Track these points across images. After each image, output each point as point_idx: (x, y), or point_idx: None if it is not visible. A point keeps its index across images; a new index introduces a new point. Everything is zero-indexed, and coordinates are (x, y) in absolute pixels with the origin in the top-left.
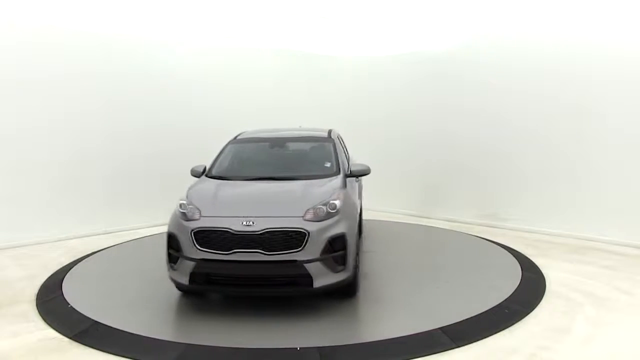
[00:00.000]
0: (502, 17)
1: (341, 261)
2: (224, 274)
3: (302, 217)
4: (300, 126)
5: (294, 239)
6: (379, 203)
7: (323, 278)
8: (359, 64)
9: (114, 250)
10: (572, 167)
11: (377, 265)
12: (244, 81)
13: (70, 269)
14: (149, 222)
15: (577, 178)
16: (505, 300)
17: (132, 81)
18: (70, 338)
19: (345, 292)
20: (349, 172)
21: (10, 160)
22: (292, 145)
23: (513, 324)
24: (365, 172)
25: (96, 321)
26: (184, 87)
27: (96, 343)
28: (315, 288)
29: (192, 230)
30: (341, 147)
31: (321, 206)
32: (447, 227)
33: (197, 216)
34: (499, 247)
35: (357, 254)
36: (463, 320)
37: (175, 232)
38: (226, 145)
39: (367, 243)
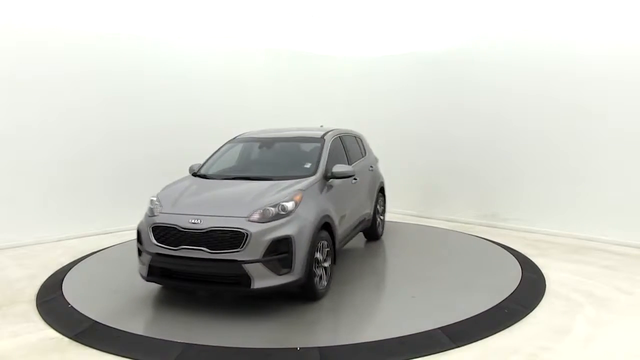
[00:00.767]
0: (502, 17)
1: (285, 264)
2: (173, 269)
3: (247, 217)
4: (321, 126)
5: (235, 239)
6: None
7: (263, 280)
8: (359, 64)
9: (114, 250)
10: (572, 167)
11: (377, 265)
12: (244, 81)
13: (70, 269)
14: None
15: (577, 178)
16: (505, 300)
17: (132, 81)
18: (70, 338)
19: (305, 297)
20: (330, 174)
21: (10, 160)
22: (281, 146)
23: (513, 324)
24: (346, 175)
25: (96, 321)
26: (184, 87)
27: (96, 343)
28: (254, 289)
29: (150, 225)
30: (338, 148)
31: (270, 208)
32: (447, 227)
33: (157, 212)
34: (499, 247)
35: (321, 257)
36: (463, 320)
37: (140, 227)
38: (223, 145)
39: (367, 243)
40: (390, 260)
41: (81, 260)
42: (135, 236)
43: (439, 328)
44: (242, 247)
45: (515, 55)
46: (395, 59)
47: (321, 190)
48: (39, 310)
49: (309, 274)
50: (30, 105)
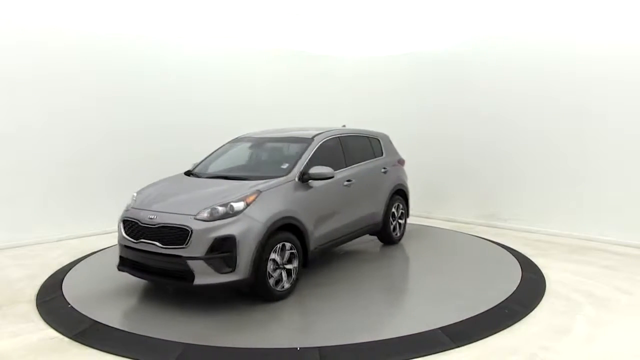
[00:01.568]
0: (502, 18)
1: (229, 263)
2: (135, 260)
3: (194, 215)
4: (344, 126)
5: (180, 235)
6: None
7: (206, 277)
8: (359, 64)
9: (114, 250)
10: (572, 167)
11: (376, 265)
12: (244, 81)
13: (70, 269)
14: None
15: (577, 178)
16: (505, 300)
17: (132, 81)
18: (70, 338)
19: (259, 296)
20: (307, 175)
21: (10, 160)
22: (269, 147)
23: (513, 324)
24: (323, 176)
25: (96, 321)
26: (184, 87)
27: (96, 343)
28: (195, 285)
29: (121, 219)
30: (333, 149)
31: (219, 207)
32: (447, 227)
33: (129, 207)
34: (499, 247)
35: (281, 259)
36: (463, 320)
37: (119, 220)
38: (223, 145)
39: (368, 243)
40: (390, 260)
41: (81, 260)
42: None
43: (439, 328)
44: (186, 244)
45: (515, 55)
46: (395, 59)
47: (291, 191)
48: (39, 310)
49: (258, 274)
50: (30, 105)
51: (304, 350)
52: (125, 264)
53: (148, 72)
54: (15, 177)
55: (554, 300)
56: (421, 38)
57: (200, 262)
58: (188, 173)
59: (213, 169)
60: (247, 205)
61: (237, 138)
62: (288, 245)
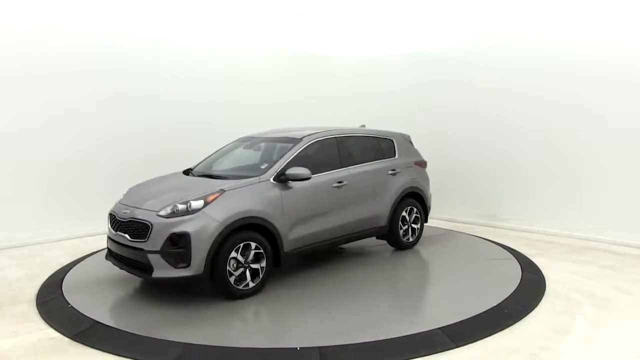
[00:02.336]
0: (502, 18)
1: (182, 259)
2: (113, 250)
3: (157, 211)
4: (364, 126)
5: (142, 230)
6: None
7: (162, 270)
8: (359, 64)
9: None
10: (572, 167)
11: (377, 265)
12: (244, 81)
13: (70, 269)
14: None
15: (577, 178)
16: (505, 300)
17: (132, 81)
18: (70, 338)
19: (220, 293)
20: (284, 176)
21: (10, 160)
22: (261, 147)
23: (513, 324)
24: (299, 177)
25: (96, 321)
26: (184, 86)
27: (96, 343)
28: (154, 277)
29: (109, 212)
30: (325, 150)
31: (179, 204)
32: (447, 227)
33: (118, 202)
34: (499, 247)
35: (244, 258)
36: (463, 320)
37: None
38: (227, 145)
39: (378, 246)
40: (390, 260)
41: (81, 260)
42: None
43: (439, 328)
44: (147, 238)
45: (515, 55)
46: (395, 59)
47: (262, 192)
48: (39, 310)
49: (215, 271)
50: (30, 105)
51: (304, 350)
52: (110, 254)
53: (148, 72)
54: (15, 177)
55: (554, 300)
56: (421, 38)
57: (158, 256)
58: (186, 172)
59: (206, 168)
60: (206, 204)
61: (241, 138)
62: (253, 245)
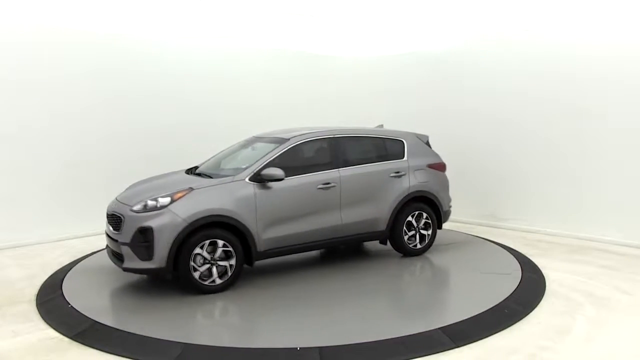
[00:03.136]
0: (502, 18)
1: (147, 251)
2: (107, 244)
3: (131, 206)
4: (382, 126)
5: (118, 223)
6: None
7: (131, 262)
8: (359, 64)
9: None
10: (572, 167)
11: (375, 265)
12: (244, 81)
13: (70, 269)
14: None
15: (577, 178)
16: (505, 300)
17: (132, 81)
18: (70, 338)
19: (186, 287)
20: (259, 176)
21: (10, 160)
22: (255, 146)
23: (513, 324)
24: (273, 178)
25: (96, 321)
26: (184, 87)
27: (96, 343)
28: (124, 268)
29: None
30: (316, 151)
31: (149, 201)
32: (447, 227)
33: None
34: (499, 247)
35: (210, 255)
36: (463, 320)
37: None
38: (234, 144)
39: (383, 249)
40: (389, 260)
41: (81, 260)
42: None
43: (439, 328)
44: (120, 230)
45: (515, 55)
46: (395, 59)
47: (234, 191)
48: (39, 310)
49: (178, 266)
50: (30, 105)
51: (304, 350)
52: (107, 247)
53: (148, 72)
54: (15, 177)
55: (554, 300)
56: (421, 38)
57: (127, 247)
58: (189, 170)
59: (206, 167)
60: (173, 201)
61: (248, 137)
62: (220, 242)
